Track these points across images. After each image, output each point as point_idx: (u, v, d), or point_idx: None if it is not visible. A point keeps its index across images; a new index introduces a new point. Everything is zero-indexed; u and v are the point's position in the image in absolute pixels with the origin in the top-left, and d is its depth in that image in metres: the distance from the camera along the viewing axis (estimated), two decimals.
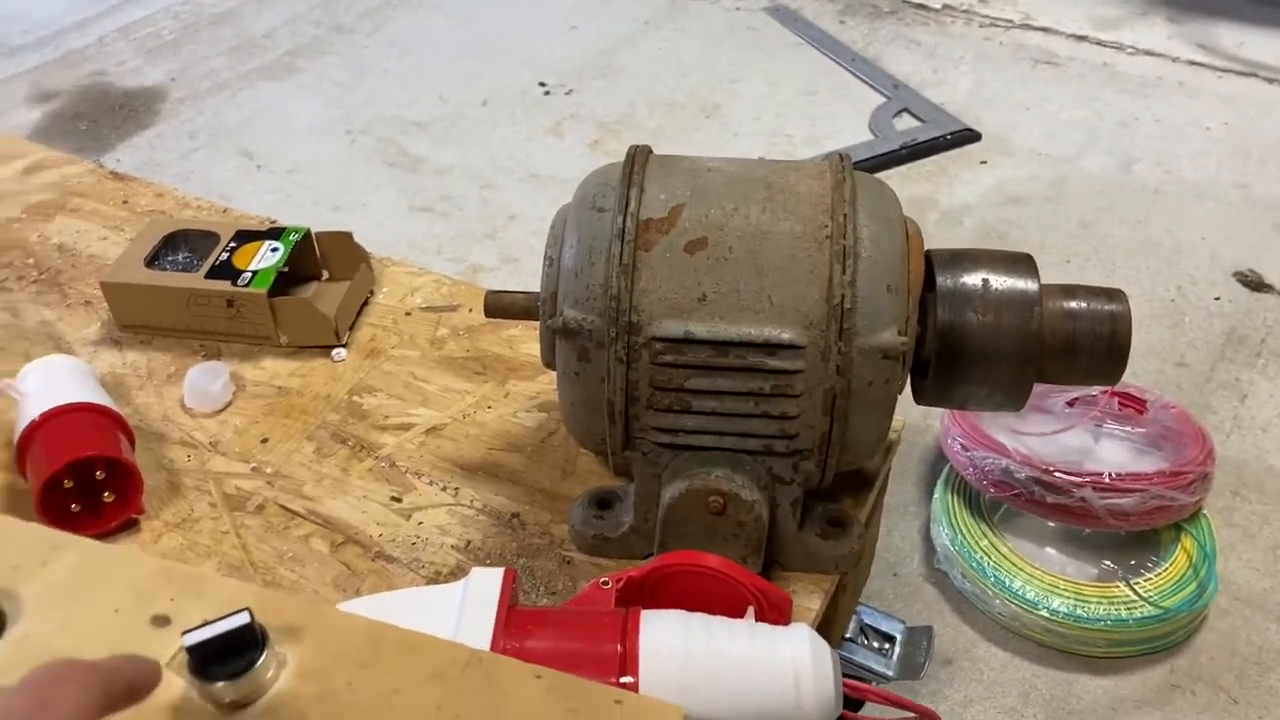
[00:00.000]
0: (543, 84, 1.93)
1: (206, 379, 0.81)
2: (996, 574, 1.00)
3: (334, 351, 0.85)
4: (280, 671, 0.42)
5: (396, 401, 0.82)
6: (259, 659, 0.41)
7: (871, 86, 1.88)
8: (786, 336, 0.59)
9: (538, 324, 0.67)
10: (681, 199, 0.62)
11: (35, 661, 0.43)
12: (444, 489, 0.75)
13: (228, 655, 0.41)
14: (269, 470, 0.76)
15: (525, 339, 0.86)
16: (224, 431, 0.79)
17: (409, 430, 0.79)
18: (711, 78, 1.94)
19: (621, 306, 0.60)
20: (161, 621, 0.44)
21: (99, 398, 0.75)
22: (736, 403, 0.61)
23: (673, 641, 0.50)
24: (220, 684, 0.40)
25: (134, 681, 0.37)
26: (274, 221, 0.96)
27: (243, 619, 0.41)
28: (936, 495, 1.10)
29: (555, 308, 0.63)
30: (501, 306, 0.71)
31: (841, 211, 0.60)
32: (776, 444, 0.63)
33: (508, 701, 0.41)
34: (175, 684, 0.42)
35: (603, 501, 0.70)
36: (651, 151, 0.66)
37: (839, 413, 0.60)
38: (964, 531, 1.04)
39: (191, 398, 0.81)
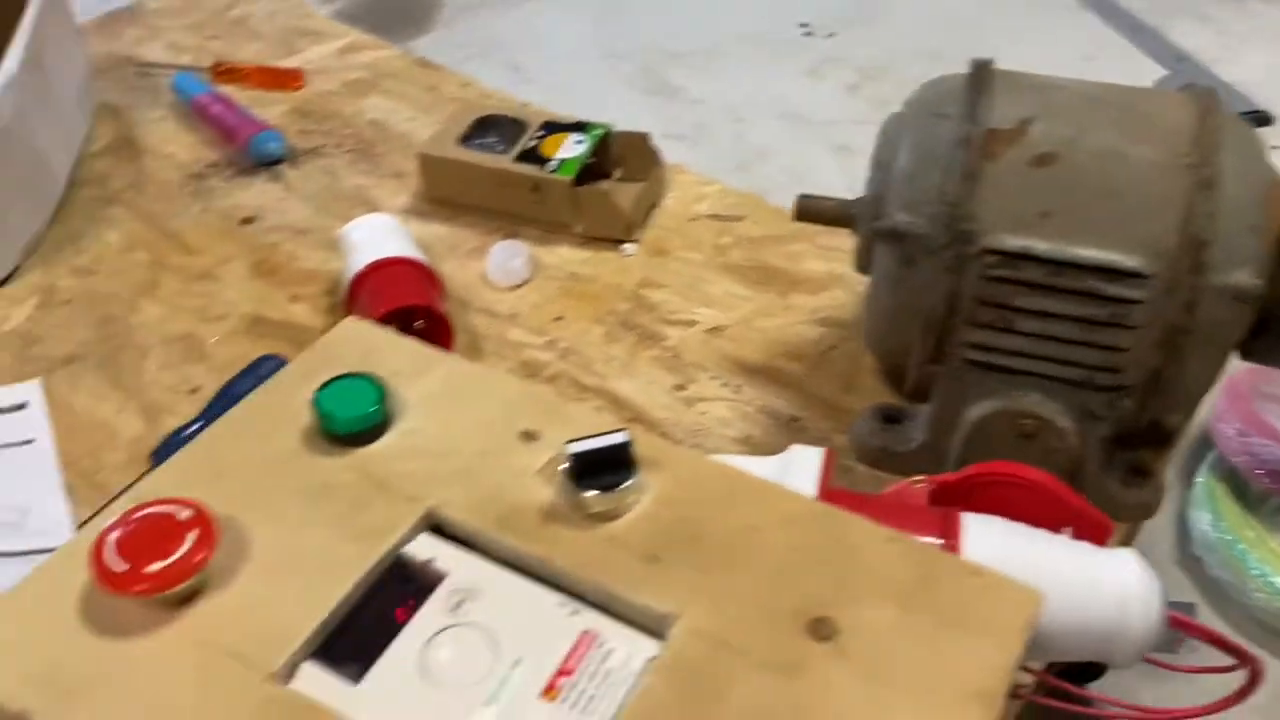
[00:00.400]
0: (804, 25, 1.92)
1: (508, 255, 0.85)
2: (1261, 567, 0.95)
3: (624, 246, 0.88)
4: (643, 496, 0.44)
5: (681, 299, 0.84)
6: (631, 477, 0.43)
7: (1153, 58, 1.78)
8: (1132, 264, 0.57)
9: (842, 233, 0.67)
10: (1030, 113, 0.61)
11: (420, 453, 0.47)
12: (725, 385, 0.76)
13: (601, 470, 0.43)
14: (562, 345, 0.80)
15: (808, 255, 0.87)
16: (521, 306, 0.83)
17: (693, 327, 0.81)
18: (980, 34, 1.88)
19: (958, 214, 0.59)
20: (529, 437, 0.47)
21: (419, 255, 0.80)
22: (1064, 327, 0.60)
23: (996, 546, 0.50)
24: (592, 494, 0.43)
25: None
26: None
27: (623, 438, 0.43)
28: (1200, 479, 1.04)
29: (882, 211, 0.63)
30: (813, 210, 0.71)
31: (1207, 141, 0.58)
32: (1098, 376, 0.61)
33: (861, 556, 0.42)
34: (544, 492, 0.45)
35: (891, 416, 0.70)
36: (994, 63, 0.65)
37: (1174, 351, 0.58)
38: (1228, 519, 0.99)
39: (494, 271, 0.85)
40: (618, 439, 0.43)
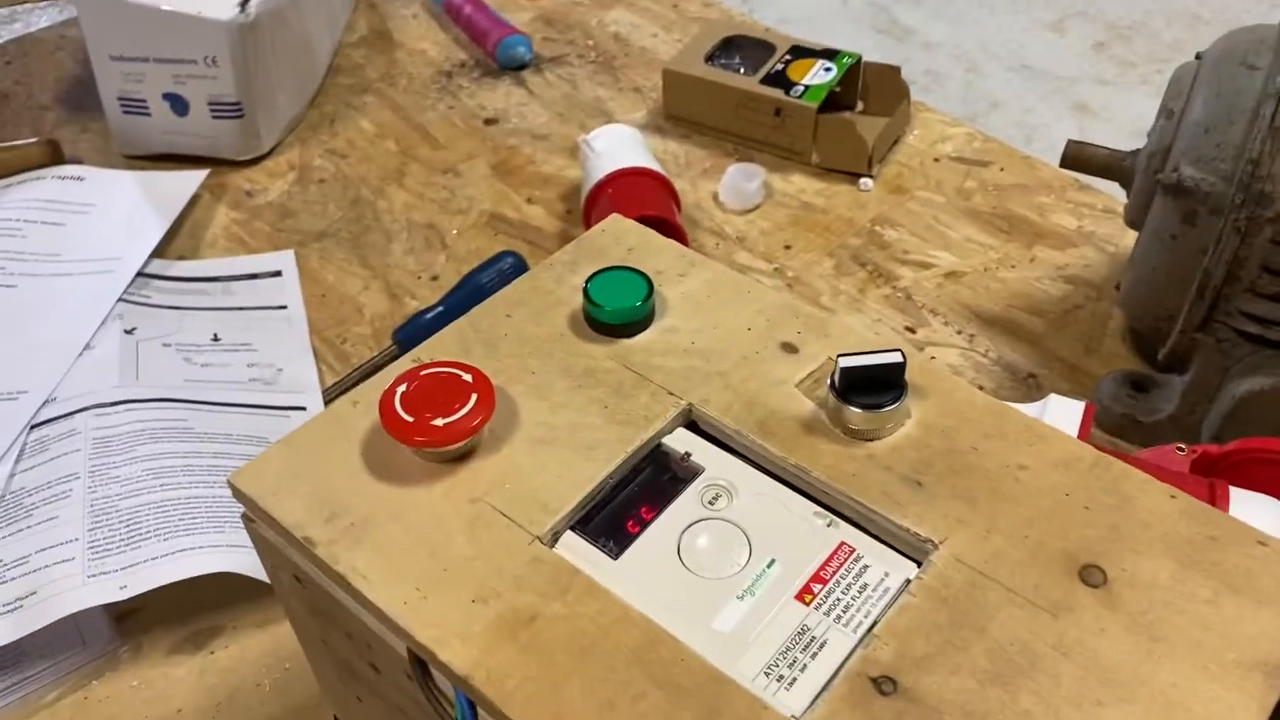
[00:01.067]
0: None
1: (744, 177, 0.84)
2: None
3: (861, 180, 0.86)
4: (906, 420, 0.43)
5: (917, 240, 0.81)
6: (899, 398, 0.42)
7: None
8: None
9: (1095, 189, 0.64)
10: None
11: (680, 349, 0.47)
12: (959, 332, 0.74)
13: (868, 388, 0.43)
14: (790, 274, 0.79)
15: (1057, 209, 0.83)
16: (751, 230, 0.83)
17: (928, 269, 0.79)
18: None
19: (1258, 173, 0.55)
20: (789, 349, 0.47)
21: (658, 168, 0.80)
22: None
23: (1267, 524, 0.47)
24: (856, 410, 0.42)
25: None
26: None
27: (896, 357, 0.42)
28: None
29: (1167, 163, 0.60)
30: (1083, 158, 0.68)
31: None
32: None
33: (1137, 509, 0.40)
34: (804, 405, 0.44)
35: (1138, 384, 0.67)
36: None
37: None
38: None
39: (727, 193, 0.85)
40: (892, 358, 0.42)
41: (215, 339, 0.77)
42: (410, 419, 0.41)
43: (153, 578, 0.57)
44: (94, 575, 0.58)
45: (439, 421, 0.41)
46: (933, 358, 0.72)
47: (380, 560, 0.40)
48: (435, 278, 0.80)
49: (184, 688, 0.58)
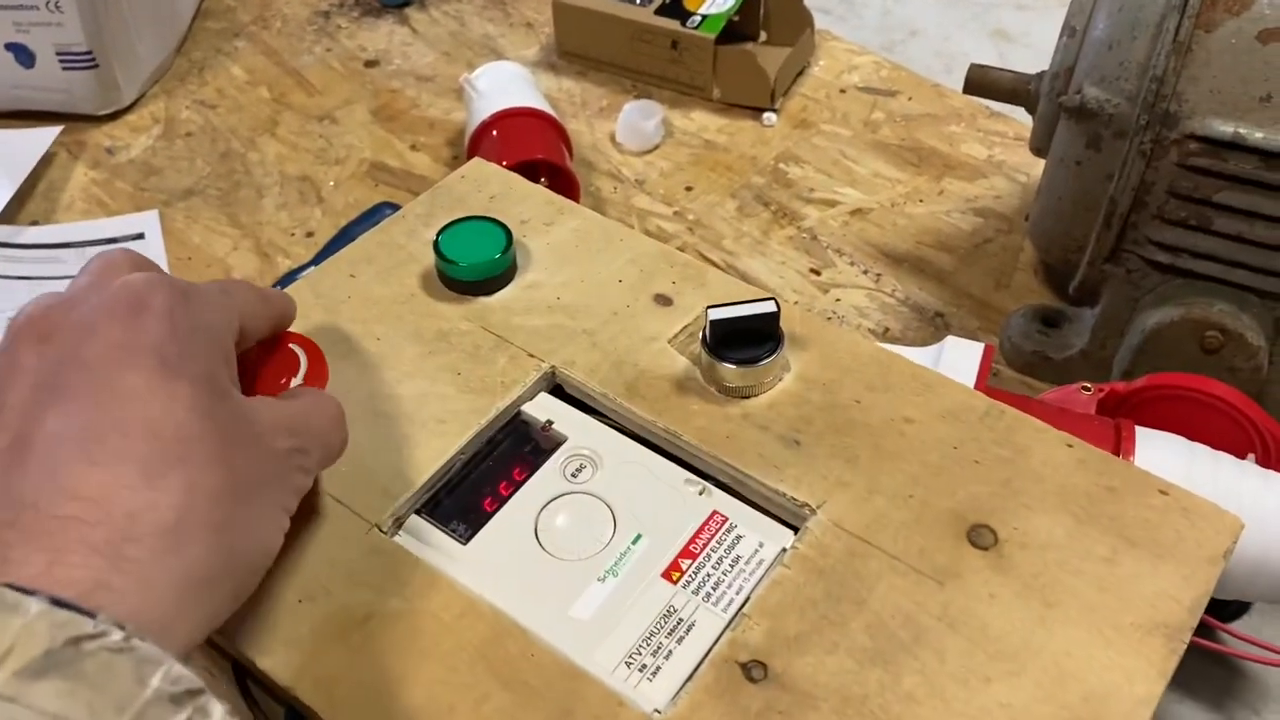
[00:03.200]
0: None
1: (641, 116, 0.80)
2: None
3: (765, 115, 0.82)
4: (785, 374, 0.40)
5: (823, 176, 0.78)
6: (775, 351, 0.39)
7: None
8: None
9: (1007, 117, 0.60)
10: None
11: (543, 306, 0.43)
12: (865, 272, 0.71)
13: (742, 342, 0.39)
14: (690, 218, 0.75)
15: (966, 138, 0.80)
16: (650, 172, 0.79)
17: (834, 207, 0.75)
18: None
19: (1162, 91, 0.52)
20: (663, 300, 0.43)
21: (546, 108, 0.75)
22: (1270, 231, 0.52)
23: (1173, 465, 0.44)
24: (731, 366, 0.39)
25: (284, 316, 0.37)
26: None
27: (769, 306, 0.39)
28: None
29: (1070, 84, 0.56)
30: (986, 82, 0.64)
31: None
32: None
33: (1031, 460, 0.37)
34: (677, 362, 0.41)
35: (1048, 319, 0.64)
36: None
37: None
38: None
39: (624, 133, 0.80)
40: (764, 307, 0.38)
41: None
42: None
43: None
44: None
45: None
46: (838, 300, 0.69)
47: None
48: (310, 234, 0.75)
49: None
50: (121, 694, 0.22)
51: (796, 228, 0.74)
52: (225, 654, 0.34)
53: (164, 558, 0.26)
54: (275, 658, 0.33)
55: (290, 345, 0.38)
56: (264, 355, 0.38)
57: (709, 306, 0.39)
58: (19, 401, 0.28)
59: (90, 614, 0.23)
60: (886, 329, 0.68)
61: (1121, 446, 0.45)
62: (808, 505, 0.36)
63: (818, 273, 0.71)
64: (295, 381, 0.37)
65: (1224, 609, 0.54)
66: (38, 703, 0.21)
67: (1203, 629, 0.45)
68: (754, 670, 0.32)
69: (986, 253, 0.72)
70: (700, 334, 0.40)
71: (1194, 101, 0.52)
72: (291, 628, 0.33)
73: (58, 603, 0.22)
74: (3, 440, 0.27)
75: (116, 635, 0.22)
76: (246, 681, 0.34)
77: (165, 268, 0.74)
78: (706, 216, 0.75)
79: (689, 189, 0.77)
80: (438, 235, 0.44)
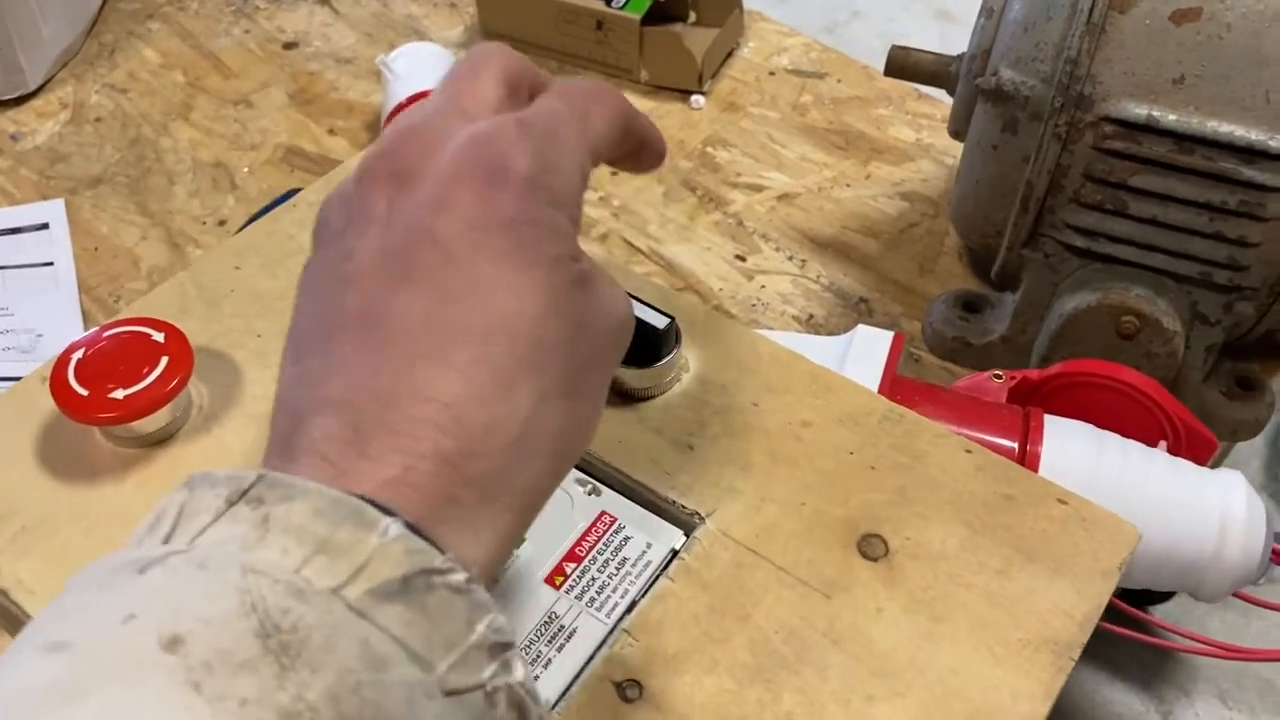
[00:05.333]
0: None
1: None
2: None
3: (693, 98, 0.80)
4: (682, 374, 0.38)
5: (750, 161, 0.76)
6: (670, 353, 0.37)
7: None
8: (1278, 145, 0.49)
9: (936, 99, 0.59)
10: None
11: None
12: (790, 258, 0.70)
13: (640, 344, 0.37)
14: (615, 203, 0.73)
15: (894, 121, 0.78)
16: None
17: (760, 192, 0.74)
18: None
19: (1076, 73, 0.51)
20: None
21: None
22: (1185, 215, 0.52)
23: (1081, 454, 0.43)
24: (627, 369, 0.37)
25: (652, 144, 0.32)
26: None
27: (663, 321, 0.37)
28: None
29: (986, 66, 0.55)
30: (907, 64, 0.63)
31: None
32: (1217, 274, 0.53)
33: (929, 467, 0.36)
34: None
35: (970, 304, 0.63)
36: None
37: None
38: None
39: None
40: (658, 320, 0.37)
41: None
42: (85, 392, 0.35)
43: None
44: None
45: (120, 393, 0.35)
46: (763, 286, 0.68)
47: (52, 570, 0.34)
48: (222, 222, 0.72)
49: None
50: (452, 634, 0.21)
51: (723, 213, 0.72)
52: None
53: (508, 474, 0.24)
54: None
55: (152, 334, 0.36)
56: (119, 348, 0.36)
57: None
58: (367, 262, 0.25)
59: (440, 549, 0.22)
60: (810, 315, 0.66)
61: (1030, 435, 0.44)
62: (697, 513, 0.35)
63: (743, 259, 0.70)
64: (155, 374, 0.35)
65: (1150, 595, 0.53)
66: (384, 624, 0.20)
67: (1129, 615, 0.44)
68: (629, 690, 0.30)
69: (911, 237, 0.71)
70: None
71: (1108, 84, 0.51)
72: None
73: (412, 529, 0.21)
74: (352, 303, 0.24)
75: (459, 576, 0.22)
76: None
77: (70, 259, 0.72)
78: (632, 202, 0.73)
79: (614, 174, 0.75)
80: None
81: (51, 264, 0.72)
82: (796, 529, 0.34)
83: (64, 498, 0.35)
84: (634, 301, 0.37)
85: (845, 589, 0.32)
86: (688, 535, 0.34)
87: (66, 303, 0.69)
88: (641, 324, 0.37)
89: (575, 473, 0.36)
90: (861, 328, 0.48)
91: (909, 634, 0.31)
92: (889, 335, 0.47)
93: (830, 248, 0.70)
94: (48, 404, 0.38)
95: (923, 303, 0.66)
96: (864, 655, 0.31)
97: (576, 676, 0.31)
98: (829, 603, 0.32)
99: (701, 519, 0.34)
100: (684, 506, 0.35)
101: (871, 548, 0.33)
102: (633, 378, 0.37)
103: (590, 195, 0.74)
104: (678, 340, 0.38)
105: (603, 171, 0.75)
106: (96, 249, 0.72)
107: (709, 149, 0.77)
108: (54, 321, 0.67)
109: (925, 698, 0.30)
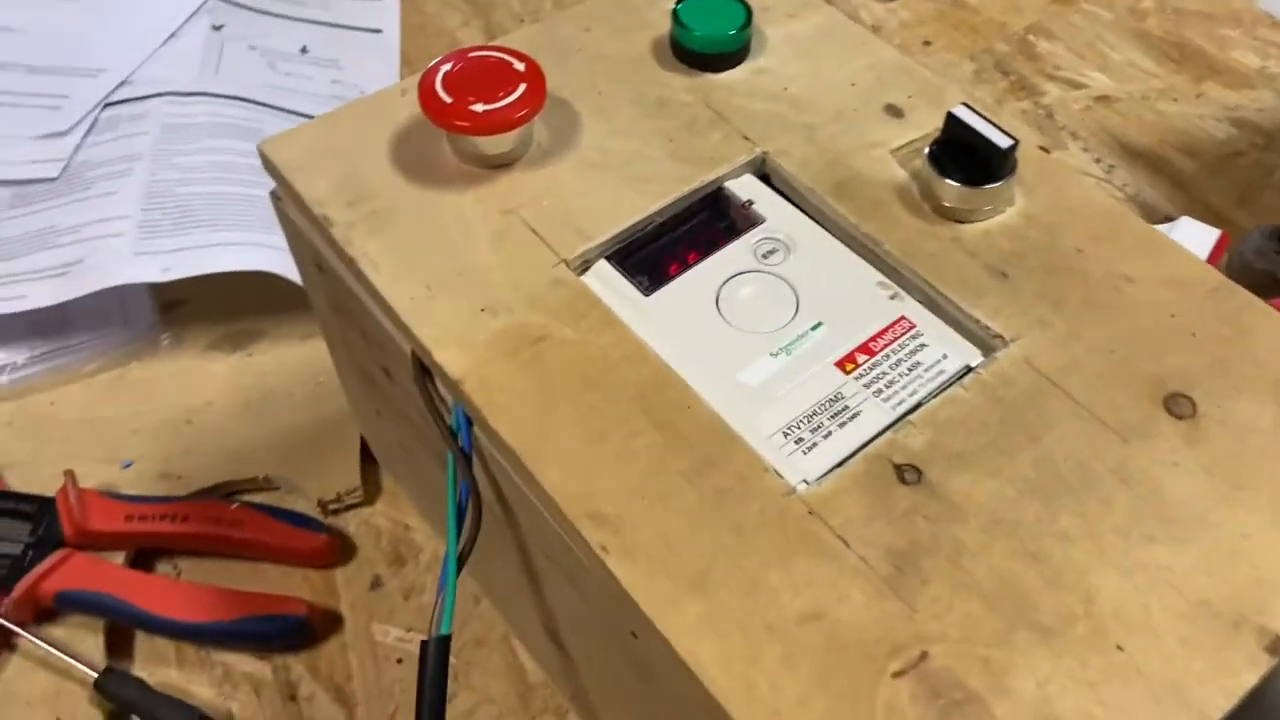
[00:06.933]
0: None
1: None
2: None
3: None
4: (1007, 208, 0.38)
5: (1073, 57, 0.72)
6: (1004, 178, 0.37)
7: None
8: None
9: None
10: None
11: (768, 94, 0.42)
12: (1098, 161, 0.66)
13: (971, 165, 0.37)
14: None
15: (1240, 44, 0.73)
16: (890, 20, 0.75)
17: (1078, 90, 0.70)
18: None
19: None
20: (894, 112, 0.41)
21: None
22: None
23: None
24: (953, 184, 0.37)
25: None
26: None
27: (1007, 140, 0.36)
28: None
29: None
30: None
31: None
32: None
33: (1254, 345, 0.34)
34: (897, 173, 0.39)
35: None
36: None
37: None
38: None
39: None
40: (1002, 140, 0.36)
41: (304, 51, 0.74)
42: (450, 100, 0.37)
43: (197, 264, 0.56)
44: (141, 253, 0.57)
45: (479, 107, 0.37)
46: None
47: (395, 251, 0.37)
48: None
49: (218, 383, 0.58)
50: None
51: (1034, 103, 0.70)
52: (413, 350, 0.36)
53: None
54: (450, 354, 0.34)
55: (514, 63, 0.38)
56: (484, 69, 0.38)
57: (949, 112, 0.37)
58: None
59: None
60: None
61: None
62: (1001, 337, 0.34)
63: (1047, 151, 0.67)
64: (511, 97, 0.37)
65: None
66: None
67: None
68: (908, 473, 0.31)
69: (1235, 166, 0.66)
70: (927, 149, 0.38)
71: None
72: (469, 332, 0.34)
73: None
74: None
75: None
76: (430, 378, 0.36)
77: (397, 29, 0.76)
78: (940, 75, 0.71)
79: (927, 44, 0.73)
80: (678, 2, 0.43)
81: (380, 31, 0.76)
82: (1102, 372, 0.33)
83: (411, 195, 0.39)
84: (978, 118, 0.37)
85: (1144, 437, 0.32)
86: (985, 356, 0.34)
87: (388, 68, 0.74)
88: (982, 140, 0.37)
89: (877, 275, 0.37)
90: (1185, 219, 0.46)
91: (1204, 491, 0.30)
92: (1215, 232, 0.45)
93: (1143, 159, 0.66)
94: (404, 114, 0.41)
95: (1233, 232, 0.62)
96: (1151, 500, 0.30)
97: (855, 453, 0.32)
98: (1124, 445, 0.32)
99: (1005, 343, 0.34)
100: (988, 328, 0.35)
101: (1179, 406, 0.32)
102: (959, 196, 0.37)
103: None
104: (1013, 168, 0.37)
105: (914, 40, 0.73)
106: (422, 25, 0.76)
107: (1030, 37, 0.74)
108: (375, 83, 0.72)
109: (1209, 552, 0.29)
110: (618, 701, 0.40)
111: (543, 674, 0.48)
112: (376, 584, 0.51)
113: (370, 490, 0.54)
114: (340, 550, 0.52)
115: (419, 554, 0.52)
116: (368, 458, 0.55)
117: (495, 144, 0.39)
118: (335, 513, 0.53)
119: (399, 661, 0.49)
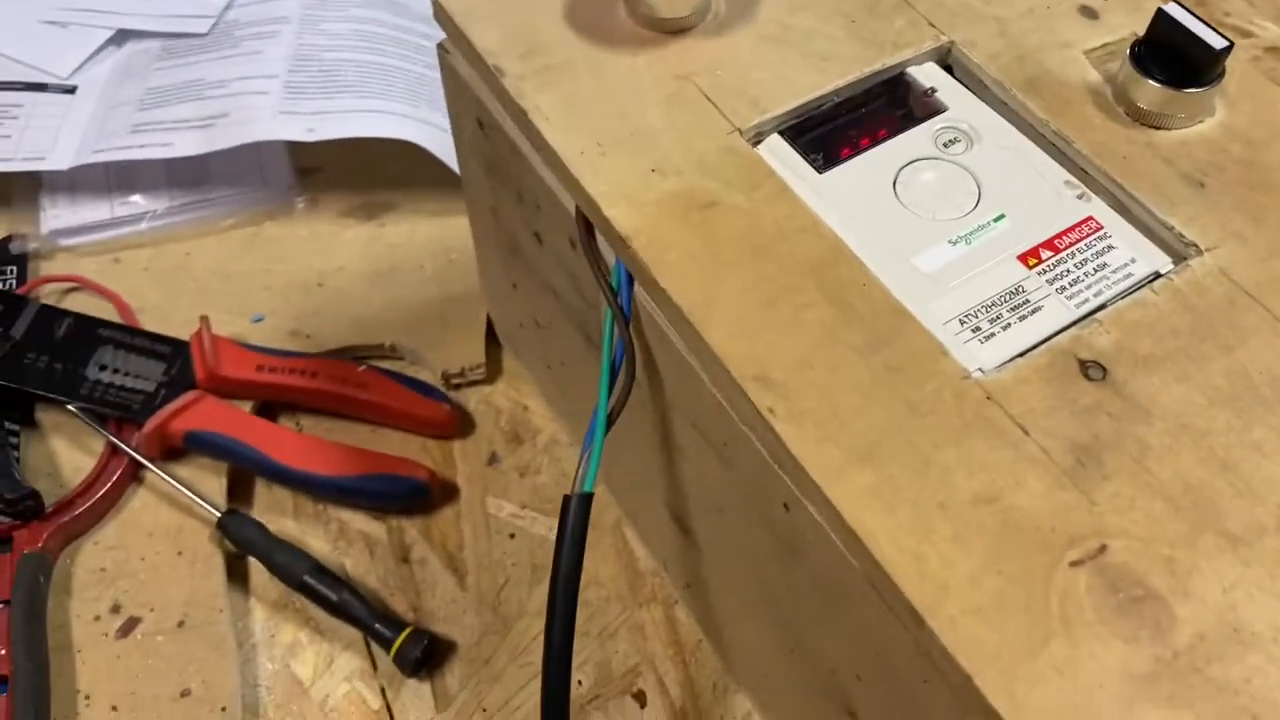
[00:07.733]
0: None
1: None
2: None
3: None
4: (1207, 118, 0.36)
5: (1245, 5, 0.68)
6: (1210, 83, 0.35)
7: None
8: None
9: None
10: None
11: None
12: None
13: (1174, 67, 0.35)
14: None
15: None
16: None
17: (1246, 38, 0.66)
18: None
19: None
20: (1089, 13, 0.39)
21: None
22: None
23: None
24: (1153, 84, 0.35)
25: None
26: None
27: (1224, 43, 0.34)
28: None
29: None
30: None
31: None
32: None
33: None
34: (1090, 73, 0.37)
35: None
36: None
37: None
38: None
39: None
40: (1216, 40, 0.34)
41: None
42: None
43: (341, 127, 0.56)
44: (285, 112, 0.57)
45: None
46: None
47: (567, 107, 0.36)
48: None
49: (350, 250, 0.58)
50: None
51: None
52: (577, 207, 0.35)
53: None
54: (620, 211, 0.33)
55: None
56: None
57: (1162, 7, 0.35)
58: None
59: None
60: None
61: None
62: (1195, 245, 0.33)
63: None
64: None
65: None
66: None
67: None
68: (1092, 370, 0.30)
69: None
70: (1126, 51, 0.36)
71: None
72: (640, 191, 0.34)
73: None
74: None
75: None
76: (593, 235, 0.35)
77: None
78: None
79: None
80: None
81: None
82: None
83: (584, 53, 0.38)
84: (1190, 16, 0.35)
85: None
86: (1176, 263, 0.33)
87: None
88: (1194, 39, 0.35)
89: (1065, 174, 0.35)
90: None
91: None
92: None
93: None
94: None
95: None
96: None
97: (1036, 345, 0.30)
98: None
99: (1199, 251, 0.32)
100: (1182, 235, 0.33)
101: None
102: (1159, 98, 0.35)
103: None
104: (1221, 75, 0.35)
105: None
106: None
107: None
108: None
109: None
110: (740, 589, 0.39)
111: (653, 563, 0.48)
112: (493, 459, 0.51)
113: (491, 370, 0.54)
114: (460, 423, 0.52)
115: (536, 435, 0.52)
116: (491, 339, 0.55)
117: (672, 7, 0.38)
118: (458, 386, 0.53)
119: (511, 536, 0.49)
